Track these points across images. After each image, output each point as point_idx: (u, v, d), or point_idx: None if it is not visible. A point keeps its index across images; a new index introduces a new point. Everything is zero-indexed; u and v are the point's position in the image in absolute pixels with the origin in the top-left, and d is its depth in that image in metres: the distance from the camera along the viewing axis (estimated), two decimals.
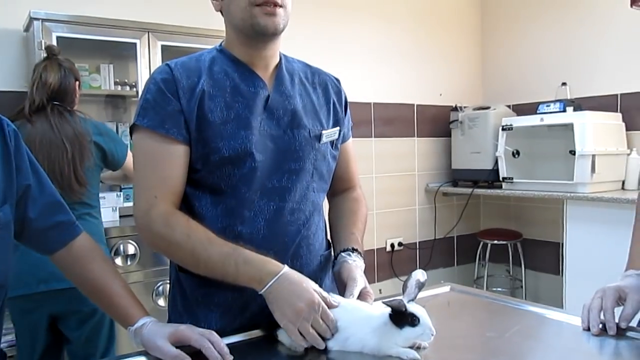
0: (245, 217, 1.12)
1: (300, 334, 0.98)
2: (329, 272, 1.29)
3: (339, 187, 1.35)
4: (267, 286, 1.01)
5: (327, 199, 1.35)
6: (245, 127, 1.11)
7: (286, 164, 1.16)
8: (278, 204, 1.15)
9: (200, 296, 1.17)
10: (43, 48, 2.38)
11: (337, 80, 1.32)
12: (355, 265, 1.17)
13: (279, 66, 1.20)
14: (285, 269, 1.03)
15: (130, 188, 2.76)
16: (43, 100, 2.02)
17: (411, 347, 0.96)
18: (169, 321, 1.21)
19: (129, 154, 2.23)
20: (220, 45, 1.20)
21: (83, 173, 1.99)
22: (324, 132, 1.20)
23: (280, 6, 1.08)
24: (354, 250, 1.21)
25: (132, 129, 1.13)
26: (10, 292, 1.89)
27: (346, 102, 1.32)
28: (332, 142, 1.24)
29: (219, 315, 1.16)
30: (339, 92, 1.30)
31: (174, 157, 1.09)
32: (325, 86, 1.27)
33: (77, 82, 2.14)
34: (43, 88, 2.03)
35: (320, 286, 1.15)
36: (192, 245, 1.05)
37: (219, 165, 1.10)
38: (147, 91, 1.11)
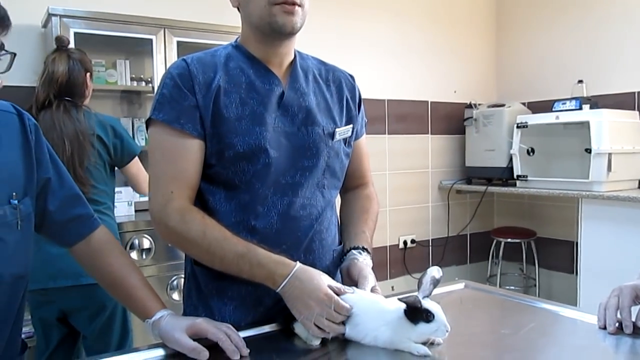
0: (258, 212, 1.14)
1: (318, 327, 1.01)
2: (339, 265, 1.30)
3: (352, 184, 1.35)
4: (280, 287, 1.04)
5: (340, 195, 1.35)
6: (260, 123, 1.12)
7: (300, 161, 1.16)
8: (291, 199, 1.16)
9: (214, 289, 1.18)
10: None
11: (352, 77, 1.32)
12: (365, 264, 1.18)
13: (293, 63, 1.20)
14: (296, 268, 1.04)
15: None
16: (50, 96, 1.99)
17: (425, 343, 0.97)
18: (184, 314, 1.23)
19: (136, 161, 2.19)
20: (236, 41, 1.20)
21: (83, 172, 1.95)
22: (337, 130, 1.21)
23: (299, 5, 1.09)
24: (364, 249, 1.22)
25: (148, 123, 1.14)
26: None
27: (360, 99, 1.32)
28: (345, 140, 1.25)
29: (232, 308, 1.17)
30: (353, 89, 1.30)
31: (190, 152, 1.10)
32: (339, 84, 1.27)
33: (88, 74, 2.10)
34: (50, 82, 2.00)
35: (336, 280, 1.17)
36: (208, 243, 1.07)
37: (233, 160, 1.11)
38: (163, 86, 1.12)
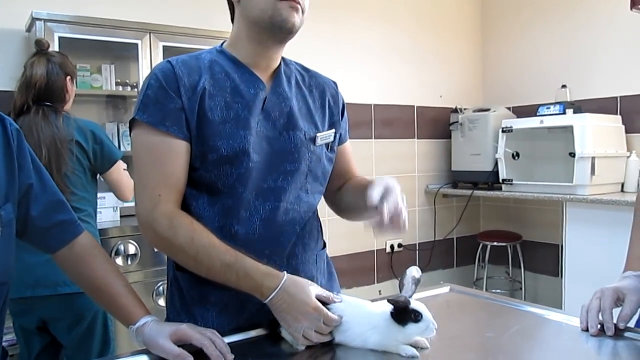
0: (241, 217, 1.13)
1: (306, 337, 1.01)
2: (324, 271, 1.30)
3: (340, 182, 1.34)
4: (268, 299, 1.03)
5: (333, 194, 1.34)
6: (244, 127, 1.11)
7: (282, 165, 1.16)
8: (273, 204, 1.15)
9: (196, 295, 1.17)
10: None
11: (335, 84, 1.32)
12: (386, 180, 1.14)
13: (278, 69, 1.20)
14: (284, 280, 1.04)
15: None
16: (28, 102, 1.94)
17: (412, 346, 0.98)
18: (167, 319, 1.22)
19: (117, 166, 2.14)
20: (221, 46, 1.20)
21: (61, 179, 1.89)
22: (318, 134, 1.21)
23: (301, 7, 1.10)
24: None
25: (132, 124, 1.12)
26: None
27: (343, 105, 1.32)
28: (327, 145, 1.25)
29: (215, 314, 1.16)
30: (335, 95, 1.30)
31: (176, 155, 1.09)
32: (322, 89, 1.27)
33: (69, 78, 2.04)
34: (28, 87, 1.95)
35: (315, 283, 1.15)
36: (195, 250, 1.05)
37: (216, 164, 1.10)
38: (147, 86, 1.10)
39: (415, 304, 0.98)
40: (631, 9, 2.75)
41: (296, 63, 1.29)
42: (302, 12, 1.10)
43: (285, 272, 1.06)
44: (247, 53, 1.15)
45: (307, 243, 1.23)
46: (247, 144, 1.11)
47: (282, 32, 1.10)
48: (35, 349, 2.03)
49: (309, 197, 1.22)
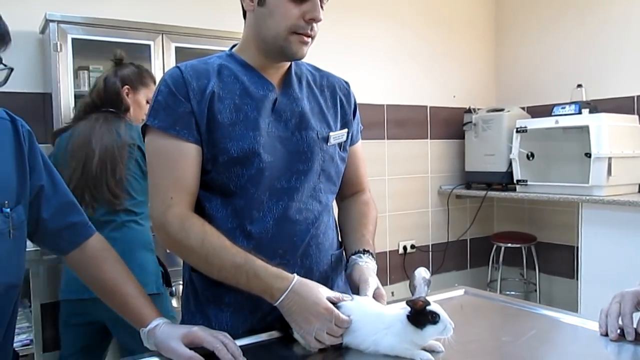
0: (254, 217, 1.14)
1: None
2: (341, 272, 1.29)
3: (348, 191, 1.35)
4: (278, 301, 1.03)
5: (337, 202, 1.35)
6: (254, 128, 1.12)
7: (294, 165, 1.17)
8: (286, 204, 1.16)
9: (211, 296, 1.17)
10: (58, 50, 2.40)
11: (347, 83, 1.33)
12: (367, 266, 1.17)
13: (288, 70, 1.21)
14: (294, 282, 1.03)
15: None
16: (89, 106, 2.04)
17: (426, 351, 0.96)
18: (182, 320, 1.23)
19: None
20: (230, 50, 1.21)
21: (115, 183, 1.92)
22: (331, 134, 1.21)
23: (312, 38, 1.13)
24: (365, 251, 1.22)
25: (144, 130, 1.15)
26: (61, 296, 1.95)
27: (355, 105, 1.32)
28: (340, 145, 1.25)
29: (229, 314, 1.16)
30: (348, 94, 1.30)
31: (187, 158, 1.11)
32: (333, 89, 1.28)
33: (127, 87, 2.08)
34: (90, 93, 2.08)
35: (332, 286, 1.18)
36: (206, 252, 1.07)
37: (227, 165, 1.12)
38: (158, 92, 1.12)
39: (431, 305, 0.96)
40: None
41: (307, 64, 1.29)
42: (313, 39, 1.13)
43: (295, 274, 1.06)
44: (255, 59, 1.17)
45: (322, 243, 1.23)
46: (257, 145, 1.12)
47: (289, 60, 1.16)
48: (81, 343, 2.03)
49: (322, 196, 1.22)
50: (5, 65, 0.98)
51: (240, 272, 1.05)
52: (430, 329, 0.95)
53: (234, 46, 1.23)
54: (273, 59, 1.16)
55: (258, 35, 1.14)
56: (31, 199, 1.06)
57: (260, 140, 1.12)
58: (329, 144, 1.21)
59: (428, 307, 0.95)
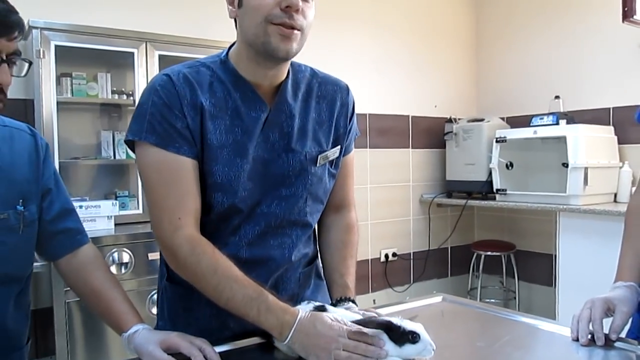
0: (228, 241, 1.12)
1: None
2: (309, 285, 1.28)
3: (333, 204, 1.29)
4: (287, 339, 0.98)
5: (321, 220, 1.30)
6: (241, 154, 1.08)
7: (277, 191, 1.13)
8: (262, 229, 1.13)
9: (181, 308, 1.18)
10: (41, 56, 2.40)
11: (347, 87, 1.25)
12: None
13: (284, 82, 1.14)
14: (299, 316, 0.98)
15: (125, 196, 2.77)
16: None
17: None
18: (156, 328, 1.21)
19: None
20: (225, 56, 1.13)
21: None
22: (320, 155, 1.17)
23: (298, 30, 1.03)
24: (347, 299, 1.18)
25: (135, 144, 1.07)
26: None
27: (353, 112, 1.26)
28: (331, 161, 1.21)
29: (197, 329, 1.12)
30: (345, 103, 1.23)
31: (190, 176, 1.06)
32: (332, 98, 1.21)
33: None
34: None
35: (300, 301, 1.14)
36: (217, 281, 1.02)
37: (210, 189, 1.08)
38: (151, 104, 1.05)
39: (412, 325, 0.96)
40: (623, 21, 2.78)
41: (306, 67, 1.22)
42: (301, 31, 1.04)
43: (299, 308, 1.02)
44: (248, 70, 1.10)
45: (295, 267, 1.21)
46: (242, 172, 1.08)
47: (275, 59, 1.06)
48: None
49: (307, 219, 1.19)
50: (24, 59, 1.07)
51: (252, 304, 1.00)
52: (408, 348, 0.95)
53: (230, 47, 1.14)
54: (264, 62, 1.07)
55: (244, 39, 1.07)
56: (38, 201, 1.16)
57: (245, 167, 1.08)
58: (317, 165, 1.16)
59: (408, 328, 0.95)
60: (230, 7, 1.08)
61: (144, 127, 1.04)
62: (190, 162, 1.06)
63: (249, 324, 1.02)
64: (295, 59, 1.13)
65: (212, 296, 1.04)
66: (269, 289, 1.04)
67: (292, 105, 1.14)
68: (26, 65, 1.08)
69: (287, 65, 1.14)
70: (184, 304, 1.16)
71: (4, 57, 1.00)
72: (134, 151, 1.09)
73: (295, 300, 1.19)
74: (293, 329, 0.97)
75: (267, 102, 1.11)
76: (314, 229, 1.28)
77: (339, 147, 1.22)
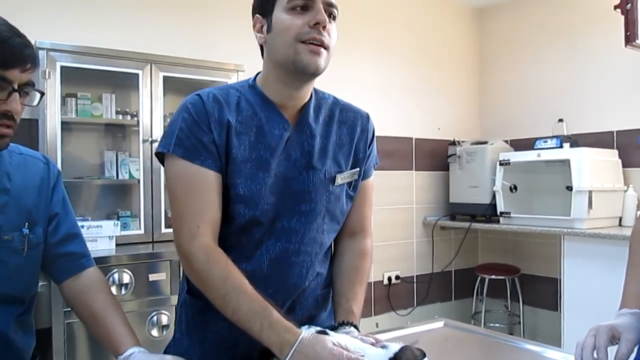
0: (250, 255, 1.14)
1: None
2: (325, 308, 1.29)
3: (348, 229, 1.31)
4: (287, 357, 0.97)
5: (334, 239, 1.31)
6: (264, 169, 1.12)
7: (297, 206, 1.16)
8: (284, 245, 1.15)
9: (199, 321, 1.19)
10: (47, 77, 2.42)
11: (367, 116, 1.32)
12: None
13: (307, 104, 1.20)
14: (301, 337, 0.99)
15: (128, 216, 2.77)
16: None
17: None
18: (173, 338, 1.27)
19: None
20: (253, 80, 1.20)
21: None
22: (339, 175, 1.20)
23: (325, 48, 1.10)
24: (349, 324, 1.18)
25: (165, 156, 1.13)
26: None
27: (373, 137, 1.32)
28: (349, 183, 1.24)
29: (212, 343, 1.17)
30: (365, 130, 1.29)
31: (212, 188, 1.10)
32: (352, 124, 1.26)
33: None
34: None
35: (317, 323, 1.17)
36: (226, 291, 1.04)
37: (232, 200, 1.12)
38: (181, 119, 1.11)
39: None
40: (625, 45, 2.79)
41: (332, 96, 1.29)
42: (327, 49, 1.11)
43: (302, 329, 1.02)
44: (275, 92, 1.16)
45: (311, 286, 1.22)
46: (264, 187, 1.12)
47: (305, 75, 1.11)
48: None
49: (324, 237, 1.21)
50: (37, 90, 1.14)
51: (256, 319, 1.01)
52: None
53: (257, 75, 1.21)
54: (293, 81, 1.13)
55: (273, 61, 1.13)
56: (45, 225, 1.20)
57: (268, 181, 1.12)
58: (335, 184, 1.20)
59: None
60: (259, 35, 1.15)
61: (173, 141, 1.10)
62: (214, 175, 1.10)
63: (258, 342, 1.02)
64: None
65: (219, 306, 1.06)
66: (279, 308, 1.04)
67: (313, 127, 1.19)
68: (38, 95, 1.14)
69: (312, 86, 1.20)
70: (201, 317, 1.18)
71: (16, 87, 1.06)
72: (163, 164, 1.15)
73: (312, 321, 1.20)
74: (293, 348, 0.97)
75: (290, 121, 1.17)
76: (330, 251, 1.30)
77: (357, 169, 1.26)
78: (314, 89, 1.23)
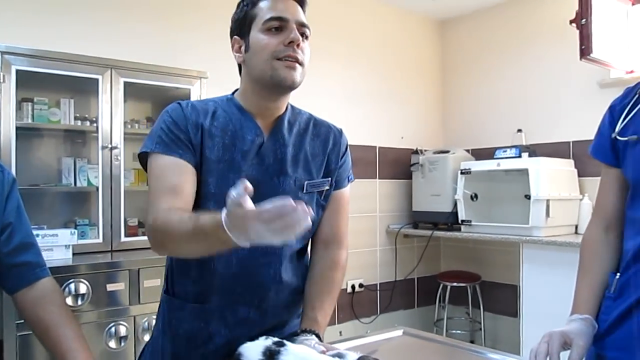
0: (220, 254, 1.15)
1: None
2: (296, 313, 1.30)
3: (322, 239, 1.33)
4: (223, 215, 0.93)
5: (310, 250, 1.34)
6: (235, 171, 1.18)
7: None
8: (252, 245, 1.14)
9: (174, 319, 1.23)
10: (1, 81, 2.35)
11: (340, 131, 1.38)
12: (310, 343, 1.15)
13: (282, 116, 1.27)
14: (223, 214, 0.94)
15: (86, 224, 2.70)
16: None
17: None
18: (151, 336, 1.31)
19: None
20: (232, 95, 1.28)
21: None
22: (307, 182, 1.25)
23: (300, 64, 1.18)
24: (310, 332, 1.18)
25: (144, 157, 1.19)
26: None
27: (345, 150, 1.37)
28: (320, 192, 1.29)
29: (184, 340, 1.21)
30: (337, 143, 1.34)
31: (186, 173, 1.15)
32: (325, 137, 1.33)
33: None
34: None
35: (286, 328, 1.23)
36: (184, 224, 1.01)
37: (205, 198, 1.16)
38: (162, 122, 1.18)
39: None
40: (580, 59, 2.88)
41: (305, 112, 1.36)
42: (302, 65, 1.19)
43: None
44: (252, 104, 1.23)
45: (282, 289, 1.24)
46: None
47: (282, 88, 1.19)
48: None
49: (292, 241, 1.19)
50: None
51: (190, 220, 1.00)
52: None
53: (235, 91, 1.28)
54: (270, 94, 1.21)
55: (251, 76, 1.21)
56: None
57: (237, 183, 1.10)
58: (304, 191, 1.25)
59: None
60: (237, 55, 1.23)
61: (154, 141, 1.17)
62: (190, 167, 1.16)
63: (232, 338, 1.09)
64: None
65: (177, 237, 1.03)
66: (255, 308, 1.15)
67: (287, 137, 1.25)
68: None
69: (287, 100, 1.28)
70: (176, 315, 1.23)
71: None
72: (145, 169, 1.20)
73: (283, 326, 1.26)
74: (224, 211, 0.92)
75: (265, 131, 1.24)
76: (305, 260, 1.33)
77: (329, 179, 1.30)
78: (291, 105, 1.30)
